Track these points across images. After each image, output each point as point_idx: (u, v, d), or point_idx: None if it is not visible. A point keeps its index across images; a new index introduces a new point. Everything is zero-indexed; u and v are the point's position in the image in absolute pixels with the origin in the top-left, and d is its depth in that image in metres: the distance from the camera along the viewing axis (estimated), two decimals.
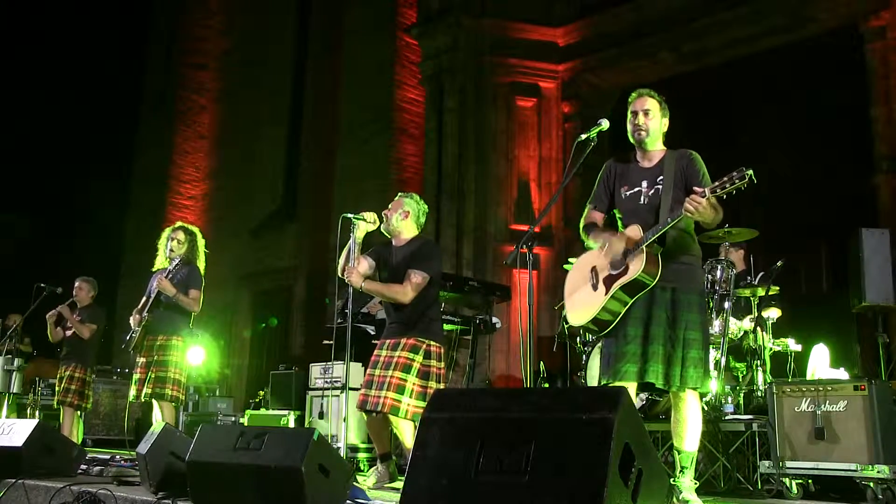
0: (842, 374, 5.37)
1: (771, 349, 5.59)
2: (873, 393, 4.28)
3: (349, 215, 4.53)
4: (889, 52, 7.86)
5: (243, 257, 13.32)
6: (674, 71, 9.65)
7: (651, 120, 3.66)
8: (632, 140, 3.73)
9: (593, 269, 3.67)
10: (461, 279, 7.08)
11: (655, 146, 3.72)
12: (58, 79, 16.36)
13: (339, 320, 5.73)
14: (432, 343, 4.43)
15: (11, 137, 15.60)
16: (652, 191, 3.61)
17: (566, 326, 6.80)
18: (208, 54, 15.49)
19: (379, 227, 4.60)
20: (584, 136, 3.74)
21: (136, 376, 5.64)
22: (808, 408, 4.47)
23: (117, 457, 5.50)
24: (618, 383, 3.44)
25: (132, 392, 5.66)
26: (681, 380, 3.45)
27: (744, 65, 9.08)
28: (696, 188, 3.34)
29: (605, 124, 3.79)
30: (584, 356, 6.09)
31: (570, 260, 6.76)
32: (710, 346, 3.79)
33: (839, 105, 8.26)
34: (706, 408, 4.47)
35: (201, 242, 5.89)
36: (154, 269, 5.90)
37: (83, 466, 4.64)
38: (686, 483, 3.57)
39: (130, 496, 3.57)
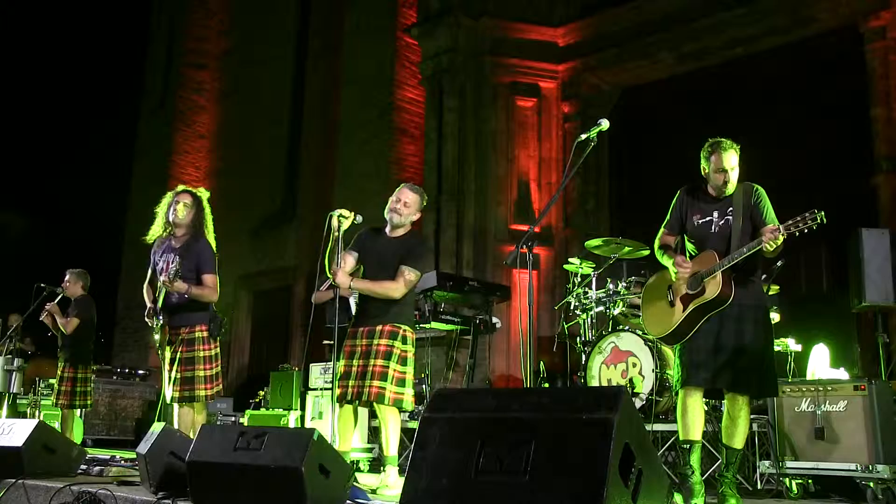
0: (842, 374, 5.36)
1: None
2: (873, 393, 4.29)
3: (331, 213, 4.42)
4: (889, 52, 7.86)
5: (243, 257, 13.30)
6: (674, 71, 9.64)
7: (735, 173, 3.89)
8: (713, 187, 3.95)
9: (670, 287, 3.98)
10: (461, 279, 7.05)
11: None
12: (58, 79, 16.38)
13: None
14: (406, 328, 4.45)
15: (11, 137, 15.61)
16: (722, 221, 3.90)
17: (564, 328, 6.81)
18: (208, 54, 15.47)
19: (353, 221, 4.46)
20: (584, 136, 3.84)
21: (167, 375, 4.80)
22: (808, 408, 4.48)
23: (117, 457, 5.50)
24: (691, 388, 3.83)
25: (168, 391, 4.78)
26: (743, 385, 3.78)
27: (744, 65, 9.07)
28: (770, 226, 3.66)
29: (605, 124, 3.85)
30: (583, 356, 6.09)
31: (570, 260, 6.80)
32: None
33: (839, 105, 8.25)
34: (705, 407, 4.49)
35: (208, 209, 5.01)
36: (150, 240, 5.05)
37: (83, 466, 4.65)
38: (728, 478, 3.85)
39: (130, 496, 3.57)
